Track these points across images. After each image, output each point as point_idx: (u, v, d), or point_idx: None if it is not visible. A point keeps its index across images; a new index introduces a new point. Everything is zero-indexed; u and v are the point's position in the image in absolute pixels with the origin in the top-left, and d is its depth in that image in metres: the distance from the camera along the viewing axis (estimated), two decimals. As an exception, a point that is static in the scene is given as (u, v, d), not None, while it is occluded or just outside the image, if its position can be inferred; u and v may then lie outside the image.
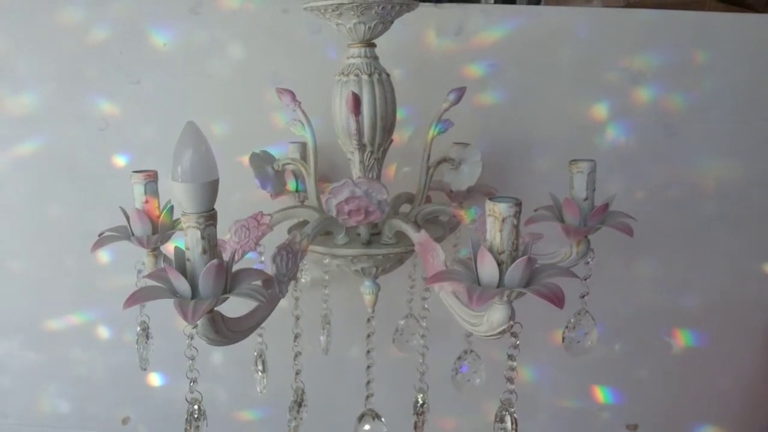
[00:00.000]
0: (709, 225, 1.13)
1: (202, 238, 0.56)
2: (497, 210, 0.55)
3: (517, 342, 0.60)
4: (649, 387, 1.21)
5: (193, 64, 1.07)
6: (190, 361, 0.61)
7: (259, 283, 0.60)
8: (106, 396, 1.24)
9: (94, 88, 1.08)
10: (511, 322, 0.58)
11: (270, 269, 0.68)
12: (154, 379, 1.22)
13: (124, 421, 1.25)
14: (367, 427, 0.87)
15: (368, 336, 0.85)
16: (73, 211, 1.14)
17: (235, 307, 0.61)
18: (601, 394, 1.22)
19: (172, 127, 1.06)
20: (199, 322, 0.58)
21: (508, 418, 0.62)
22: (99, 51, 1.06)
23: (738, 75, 1.07)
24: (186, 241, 0.57)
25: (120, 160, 1.11)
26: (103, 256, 1.15)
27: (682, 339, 1.18)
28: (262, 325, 0.90)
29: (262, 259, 0.90)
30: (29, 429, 1.26)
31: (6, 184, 1.12)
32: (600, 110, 1.07)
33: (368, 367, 0.85)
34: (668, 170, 1.11)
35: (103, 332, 1.20)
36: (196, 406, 0.65)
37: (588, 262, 0.80)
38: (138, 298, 0.56)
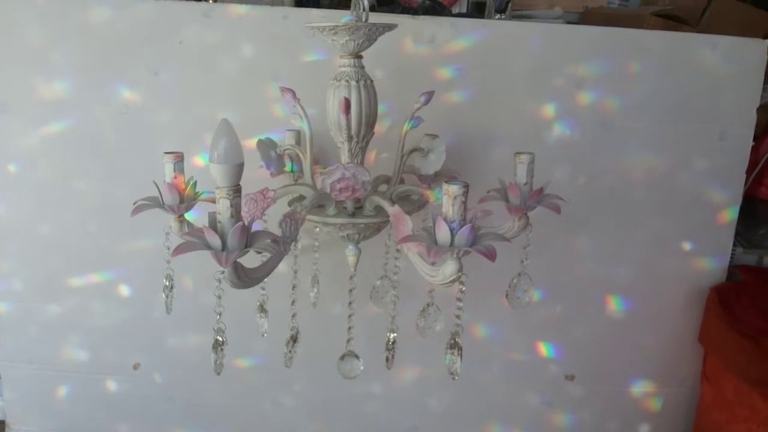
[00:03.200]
0: (638, 208, 1.31)
1: (231, 206, 0.75)
2: (450, 190, 0.75)
3: (464, 288, 0.80)
4: (585, 343, 1.40)
5: (205, 61, 1.22)
6: (218, 299, 0.80)
7: (269, 241, 0.79)
8: (119, 345, 1.41)
9: (118, 78, 1.24)
10: (460, 274, 0.78)
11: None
12: (162, 331, 1.39)
13: (135, 366, 1.42)
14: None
15: (350, 291, 1.04)
16: (96, 184, 1.30)
17: (249, 261, 0.79)
18: (544, 349, 1.40)
19: (185, 113, 1.26)
20: (226, 270, 0.77)
21: (455, 345, 0.82)
22: (123, 46, 1.22)
23: (665, 83, 1.25)
24: (218, 207, 0.75)
25: (138, 141, 1.27)
26: (120, 223, 1.30)
27: (613, 304, 1.38)
28: (266, 280, 1.09)
29: (266, 227, 1.08)
30: (52, 374, 1.43)
31: (38, 160, 1.28)
32: (548, 110, 1.25)
33: (349, 315, 1.04)
34: (604, 161, 1.28)
35: (120, 289, 1.36)
36: (220, 336, 0.84)
37: (527, 234, 1.00)
38: (182, 249, 0.74)
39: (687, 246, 1.35)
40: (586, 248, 1.35)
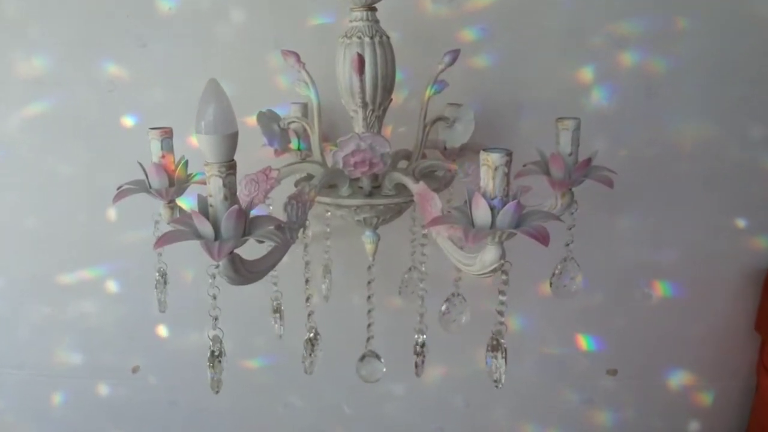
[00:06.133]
0: (686, 182, 1.19)
1: (224, 185, 0.62)
2: (490, 160, 0.62)
3: (507, 278, 0.67)
4: (629, 335, 1.28)
5: (198, 28, 1.11)
6: (212, 300, 0.67)
7: (272, 227, 0.66)
8: (116, 346, 1.30)
9: (102, 51, 1.12)
10: (502, 261, 0.65)
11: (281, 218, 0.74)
12: (162, 330, 1.29)
13: (134, 369, 1.32)
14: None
15: (369, 282, 0.92)
16: (83, 169, 1.19)
17: (250, 251, 0.67)
18: (583, 341, 1.29)
19: (177, 88, 1.14)
20: (221, 263, 0.64)
21: (498, 346, 0.69)
22: (107, 15, 1.10)
23: (715, 41, 1.12)
24: (208, 188, 0.63)
25: (128, 121, 1.15)
26: (112, 213, 1.20)
27: (659, 289, 1.25)
28: (277, 275, 0.98)
29: (270, 212, 0.96)
30: (44, 379, 1.33)
31: (18, 144, 1.17)
32: (586, 73, 1.13)
33: (369, 311, 0.92)
34: (648, 130, 1.16)
35: (113, 286, 1.26)
36: (218, 344, 0.71)
37: (572, 213, 0.87)
38: (167, 239, 0.61)
39: (741, 223, 1.23)
40: (628, 228, 1.22)
